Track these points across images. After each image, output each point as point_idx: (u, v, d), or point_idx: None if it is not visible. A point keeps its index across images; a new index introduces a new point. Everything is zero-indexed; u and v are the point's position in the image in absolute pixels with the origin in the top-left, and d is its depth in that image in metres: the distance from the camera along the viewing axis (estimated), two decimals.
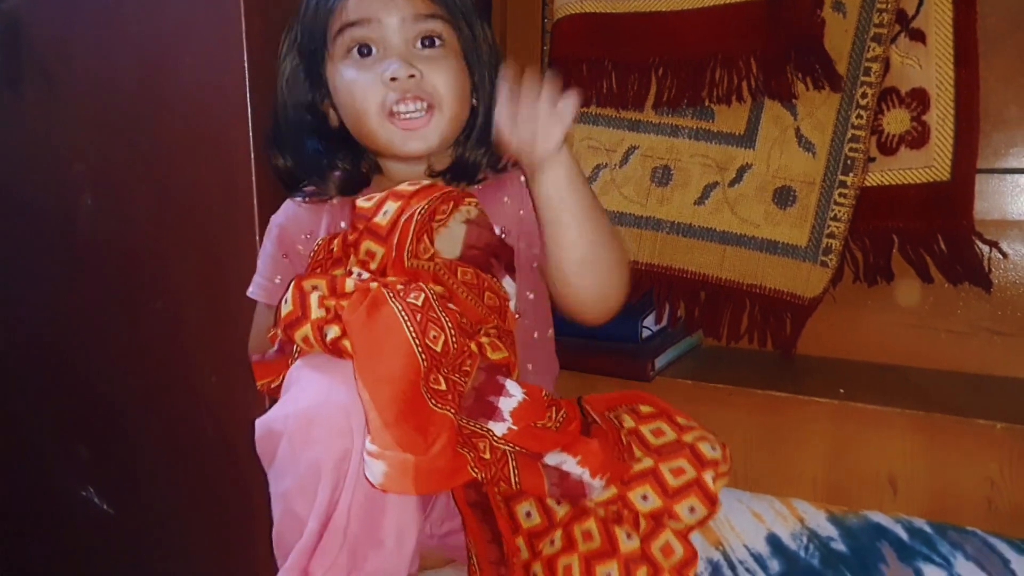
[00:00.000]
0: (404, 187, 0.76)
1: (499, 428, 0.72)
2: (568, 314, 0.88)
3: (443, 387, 0.70)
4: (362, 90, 0.82)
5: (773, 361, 1.14)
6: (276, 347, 0.79)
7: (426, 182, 0.78)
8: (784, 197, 1.10)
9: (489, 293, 0.80)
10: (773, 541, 0.92)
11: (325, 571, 0.70)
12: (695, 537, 0.94)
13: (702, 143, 1.15)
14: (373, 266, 0.74)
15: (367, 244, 0.75)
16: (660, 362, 1.11)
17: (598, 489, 0.80)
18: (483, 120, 0.88)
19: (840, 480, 0.97)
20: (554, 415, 0.76)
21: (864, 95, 1.04)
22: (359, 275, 0.74)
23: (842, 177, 1.06)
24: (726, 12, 1.09)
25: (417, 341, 0.67)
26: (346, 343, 0.68)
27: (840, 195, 1.06)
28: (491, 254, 0.81)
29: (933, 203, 1.03)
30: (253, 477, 0.85)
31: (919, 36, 1.03)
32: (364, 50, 0.83)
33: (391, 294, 0.69)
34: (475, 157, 0.89)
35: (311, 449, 0.69)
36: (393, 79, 0.80)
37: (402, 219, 0.73)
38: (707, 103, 1.12)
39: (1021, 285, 1.05)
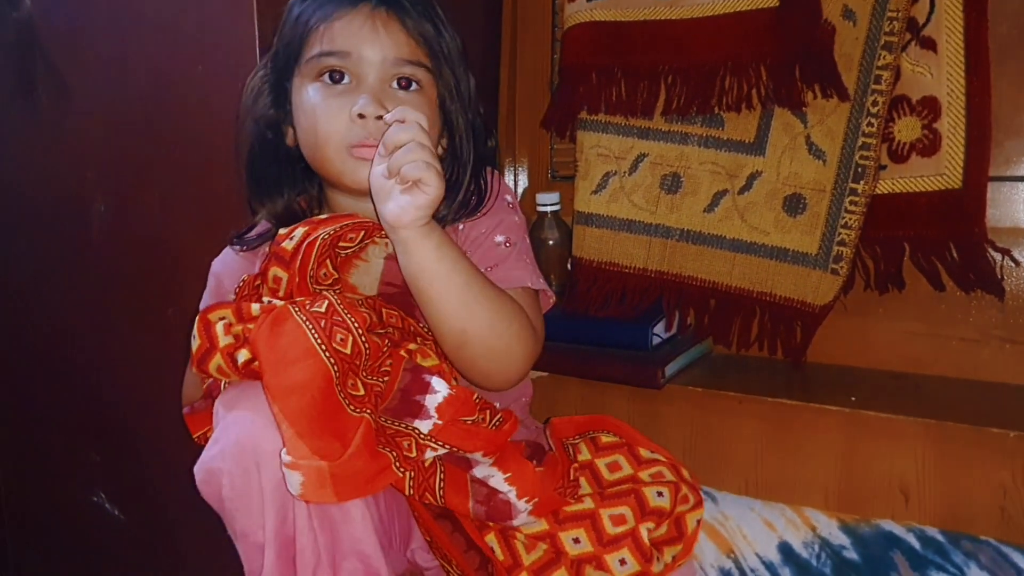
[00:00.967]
0: (319, 216, 0.76)
1: (424, 425, 0.70)
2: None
3: (361, 392, 0.69)
4: (326, 118, 0.79)
5: (783, 369, 1.13)
6: (206, 395, 0.78)
7: (346, 214, 0.77)
8: (794, 205, 1.10)
9: (421, 338, 0.78)
10: (785, 549, 0.92)
11: None
12: (705, 543, 0.95)
13: (712, 150, 1.15)
14: (280, 292, 0.74)
15: (274, 270, 0.74)
16: (670, 370, 1.11)
17: (523, 514, 0.78)
18: (449, 173, 0.84)
19: (852, 489, 0.97)
20: (488, 417, 0.74)
21: (875, 103, 1.04)
22: (269, 301, 0.73)
23: (853, 185, 1.06)
24: (735, 20, 1.09)
25: (324, 346, 0.66)
26: (256, 364, 0.67)
27: (851, 203, 1.06)
28: (410, 293, 0.78)
29: (945, 211, 1.03)
30: None
31: (930, 44, 1.03)
32: (336, 76, 0.79)
33: (295, 308, 0.69)
34: (441, 211, 0.83)
35: (250, 478, 0.68)
36: (361, 116, 0.77)
37: (305, 243, 0.72)
38: (717, 110, 1.12)
39: None
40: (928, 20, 1.03)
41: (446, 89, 0.84)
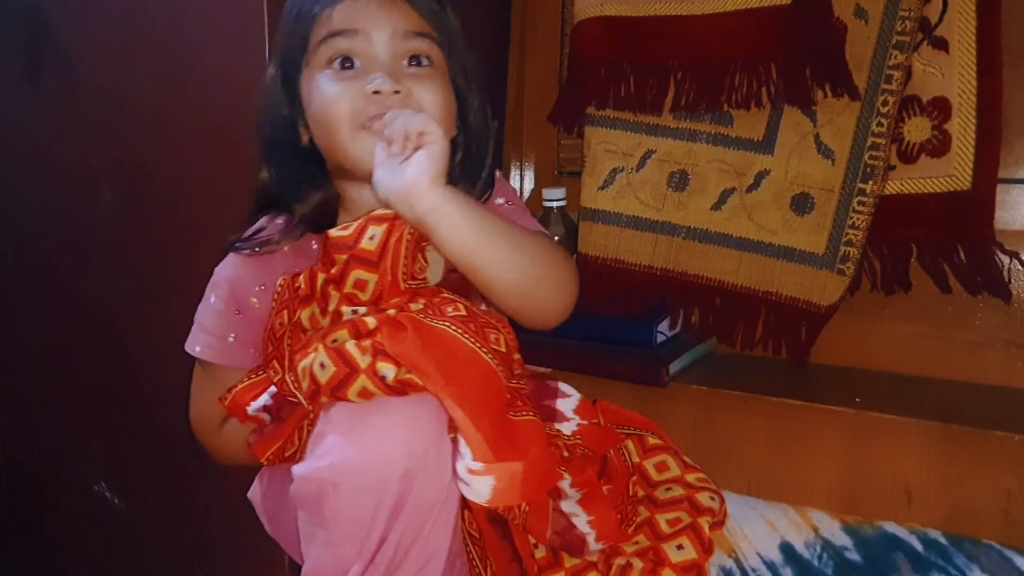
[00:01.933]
0: (380, 211, 0.73)
1: (567, 427, 0.72)
2: (526, 327, 0.82)
3: (508, 396, 0.68)
4: (336, 100, 0.76)
5: (788, 369, 1.13)
6: (269, 417, 0.76)
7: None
8: (802, 204, 1.09)
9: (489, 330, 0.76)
10: (786, 550, 0.91)
11: None
12: None
13: (720, 148, 1.14)
14: (365, 296, 0.71)
15: (356, 274, 0.70)
16: (675, 367, 1.11)
17: (595, 552, 0.78)
18: (467, 151, 0.84)
19: (855, 490, 0.97)
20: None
21: (885, 103, 1.04)
22: (354, 311, 0.71)
23: (861, 185, 1.05)
24: (746, 17, 1.08)
25: (484, 349, 0.65)
26: (410, 376, 0.65)
27: (859, 203, 1.06)
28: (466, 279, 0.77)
29: (953, 212, 1.02)
30: None
31: (942, 44, 1.02)
32: (347, 63, 0.77)
33: (424, 316, 0.67)
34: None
35: (365, 496, 0.66)
36: (376, 92, 0.75)
37: (391, 241, 0.70)
38: (726, 108, 1.11)
39: None
40: (940, 20, 1.02)
41: (454, 65, 0.82)
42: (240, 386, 0.78)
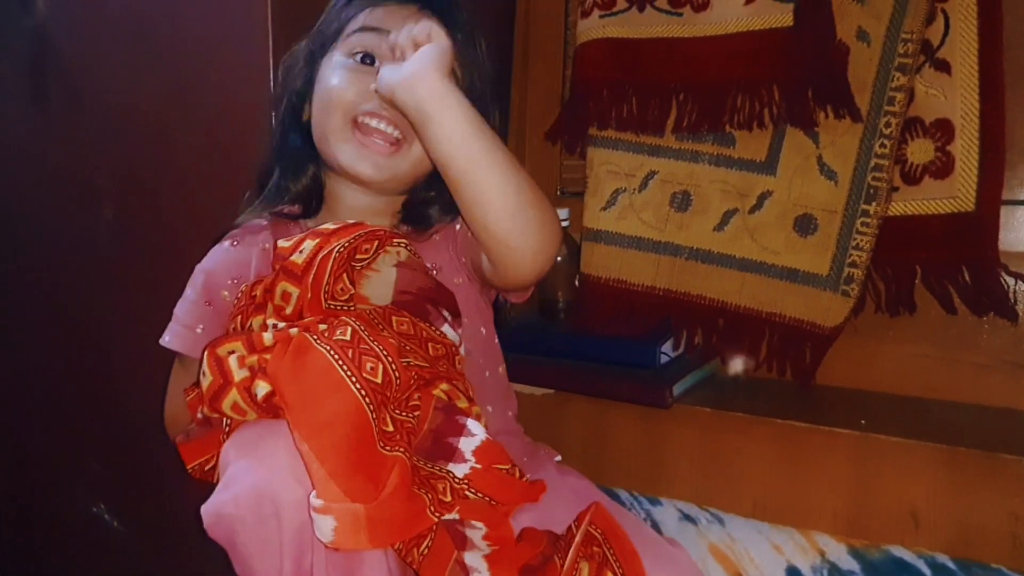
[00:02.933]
0: (326, 226, 0.72)
1: (460, 469, 0.67)
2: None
3: (391, 428, 0.64)
4: (341, 84, 0.80)
5: (792, 391, 1.12)
6: (200, 421, 0.73)
7: (352, 221, 0.73)
8: (805, 225, 1.09)
9: (432, 344, 0.74)
10: (793, 574, 0.90)
11: None
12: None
13: (722, 169, 1.14)
14: (289, 310, 0.70)
15: (282, 285, 0.70)
16: (678, 389, 1.10)
17: None
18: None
19: (861, 513, 0.96)
20: (518, 473, 0.70)
21: (888, 124, 1.04)
22: (275, 325, 0.69)
23: (864, 206, 1.05)
24: (748, 39, 1.08)
25: (353, 377, 0.62)
26: (277, 398, 0.63)
27: (863, 224, 1.05)
28: (426, 299, 0.75)
29: (957, 234, 1.02)
30: None
31: (944, 67, 1.03)
32: (367, 59, 0.81)
33: (314, 336, 0.64)
34: (425, 200, 0.86)
35: (267, 526, 0.64)
36: (377, 91, 0.77)
37: (319, 257, 0.69)
38: (728, 129, 1.11)
39: None
40: (943, 42, 1.03)
41: (468, 99, 0.80)
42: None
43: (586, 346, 1.18)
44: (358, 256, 0.72)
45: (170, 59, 1.04)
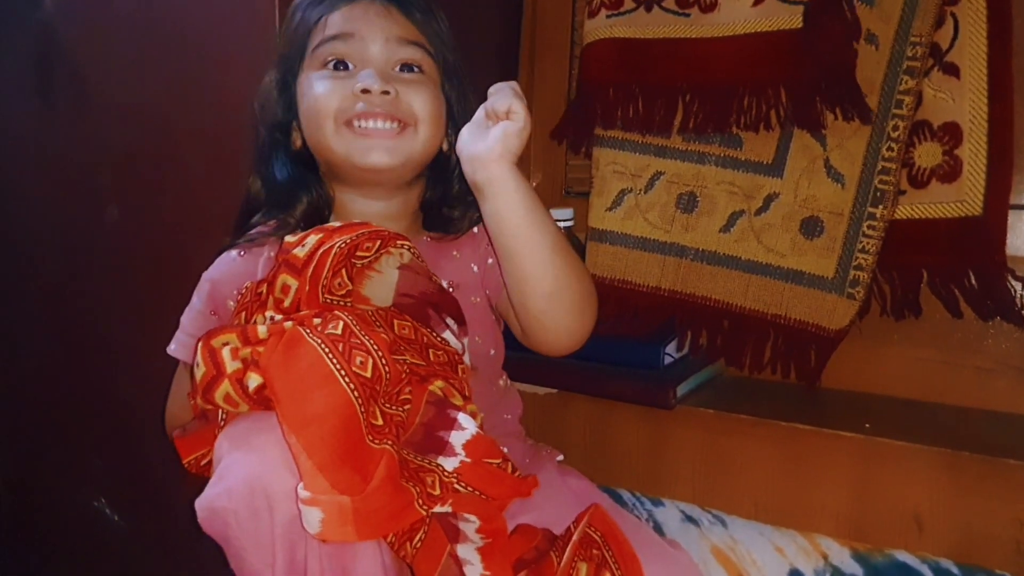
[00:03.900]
0: (332, 224, 0.73)
1: (450, 463, 0.67)
2: (534, 348, 0.84)
3: (380, 421, 0.65)
4: (326, 96, 0.78)
5: (796, 393, 1.12)
6: (198, 416, 0.74)
7: (359, 221, 0.73)
8: (811, 227, 1.09)
9: (433, 350, 0.74)
10: None
11: None
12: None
13: (729, 171, 1.14)
14: (287, 303, 0.70)
15: (283, 278, 0.70)
16: (682, 390, 1.10)
17: None
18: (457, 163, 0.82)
19: (864, 517, 0.95)
20: (510, 468, 0.70)
21: (896, 127, 1.03)
22: (271, 318, 0.69)
23: (871, 209, 1.05)
24: (756, 40, 1.08)
25: (343, 371, 0.63)
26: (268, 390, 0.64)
27: (869, 227, 1.05)
28: (427, 303, 0.76)
29: (964, 238, 1.02)
30: None
31: (953, 70, 1.02)
32: (340, 65, 0.80)
33: (307, 330, 0.65)
34: (447, 201, 0.86)
35: (260, 519, 0.64)
36: (365, 91, 0.77)
37: (319, 251, 0.69)
38: (734, 130, 1.11)
39: None
40: (951, 46, 1.02)
41: (446, 75, 0.84)
42: None
43: (589, 346, 1.16)
44: (359, 253, 0.72)
45: (177, 57, 1.04)
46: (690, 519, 1.04)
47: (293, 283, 0.70)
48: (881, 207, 1.04)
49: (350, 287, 0.72)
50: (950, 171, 1.03)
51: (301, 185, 0.83)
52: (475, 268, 0.86)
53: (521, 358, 0.95)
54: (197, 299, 0.84)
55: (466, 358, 0.77)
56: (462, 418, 0.69)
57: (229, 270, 0.83)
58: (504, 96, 0.74)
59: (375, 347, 0.66)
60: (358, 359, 0.64)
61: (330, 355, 0.63)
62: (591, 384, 1.12)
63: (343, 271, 0.71)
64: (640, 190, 1.19)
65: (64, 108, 1.18)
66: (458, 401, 0.72)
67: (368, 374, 0.64)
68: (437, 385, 0.71)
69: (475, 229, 0.87)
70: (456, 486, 0.68)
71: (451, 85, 0.85)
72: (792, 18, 1.05)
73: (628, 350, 1.15)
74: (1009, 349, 1.05)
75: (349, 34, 0.79)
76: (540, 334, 0.81)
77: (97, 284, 1.19)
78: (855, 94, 1.02)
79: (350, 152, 0.79)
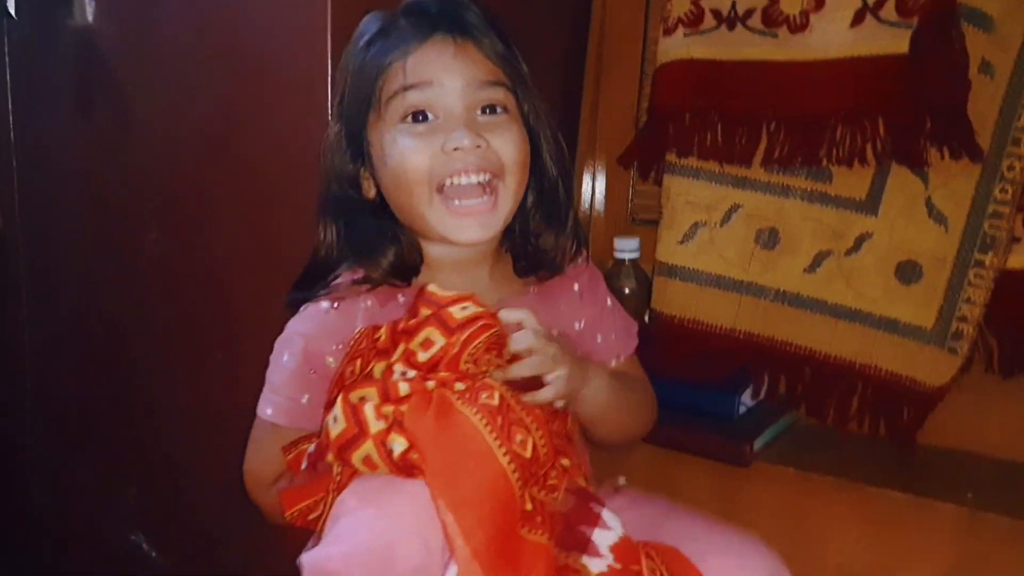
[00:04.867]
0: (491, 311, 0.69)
1: (596, 565, 0.62)
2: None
3: (530, 507, 0.61)
4: (413, 157, 0.73)
5: (885, 448, 1.03)
6: (296, 469, 0.71)
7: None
8: (908, 272, 0.99)
9: (558, 422, 0.72)
10: None
11: None
12: None
13: (816, 206, 1.05)
14: (423, 358, 0.66)
15: (428, 331, 0.66)
16: (759, 443, 1.01)
17: None
18: (540, 193, 0.81)
19: None
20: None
21: (1011, 167, 0.93)
22: (403, 373, 0.66)
23: (979, 256, 0.95)
24: (854, 65, 0.98)
25: (504, 449, 0.59)
26: (415, 456, 0.59)
27: (976, 275, 0.95)
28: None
29: None
30: None
31: None
32: (420, 116, 0.74)
33: (455, 396, 0.61)
34: (549, 242, 0.82)
35: None
36: (456, 149, 0.72)
37: (481, 321, 0.66)
38: (824, 163, 1.02)
39: None
40: None
41: (527, 108, 0.79)
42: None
43: (656, 389, 1.09)
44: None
45: (224, 76, 0.97)
46: None
47: (440, 340, 0.65)
48: (991, 254, 0.94)
49: (498, 363, 0.68)
50: None
51: (386, 236, 0.78)
52: (577, 326, 0.85)
53: None
54: (289, 357, 0.77)
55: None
56: (606, 515, 0.65)
57: (323, 324, 0.76)
58: (541, 364, 0.70)
59: (533, 424, 0.62)
60: (518, 437, 0.61)
61: (489, 429, 0.60)
62: (658, 435, 1.03)
63: (492, 353, 0.67)
64: (715, 223, 1.11)
65: (105, 125, 1.12)
66: (583, 482, 0.69)
67: (528, 455, 0.61)
68: (563, 463, 0.67)
69: (588, 265, 0.87)
70: None
71: (534, 116, 0.80)
72: (897, 42, 0.95)
73: (699, 397, 1.08)
74: None
75: (427, 83, 0.73)
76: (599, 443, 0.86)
77: (135, 311, 1.14)
78: (966, 130, 0.92)
79: (445, 229, 0.75)
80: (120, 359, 1.18)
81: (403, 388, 0.63)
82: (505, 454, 0.59)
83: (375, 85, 0.74)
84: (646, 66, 1.22)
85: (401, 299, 0.77)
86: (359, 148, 0.77)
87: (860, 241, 1.02)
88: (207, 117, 1.00)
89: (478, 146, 0.73)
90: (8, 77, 1.21)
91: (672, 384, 1.08)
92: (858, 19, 0.99)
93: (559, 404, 0.73)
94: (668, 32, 1.11)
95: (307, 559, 0.61)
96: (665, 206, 1.14)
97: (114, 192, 1.12)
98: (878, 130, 0.97)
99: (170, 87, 1.03)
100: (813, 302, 1.05)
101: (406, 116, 0.74)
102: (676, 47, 1.10)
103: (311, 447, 0.72)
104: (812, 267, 1.05)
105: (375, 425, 0.61)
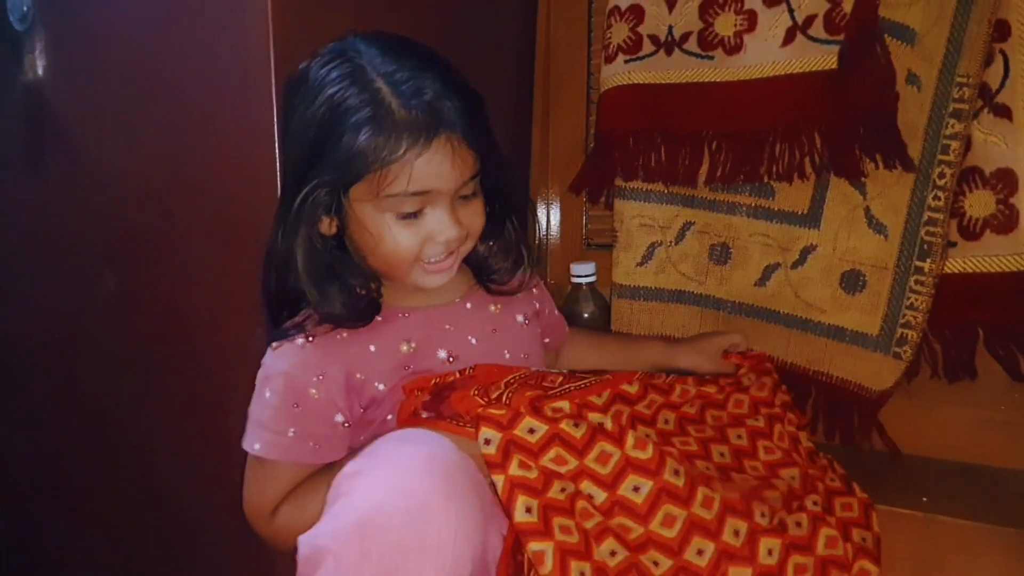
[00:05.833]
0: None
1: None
2: None
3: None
4: (404, 246, 0.78)
5: (842, 455, 1.03)
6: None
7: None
8: (852, 281, 1.01)
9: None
10: None
11: None
12: None
13: (762, 221, 1.07)
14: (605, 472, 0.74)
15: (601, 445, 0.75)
16: None
17: None
18: (492, 211, 0.85)
19: None
20: None
21: (942, 175, 0.95)
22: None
23: (918, 263, 0.97)
24: (787, 82, 1.01)
25: None
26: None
27: (916, 282, 0.97)
28: None
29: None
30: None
31: (1004, 112, 0.94)
32: (413, 215, 0.78)
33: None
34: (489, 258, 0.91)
35: (365, 567, 0.63)
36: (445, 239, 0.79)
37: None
38: (766, 179, 1.04)
39: None
40: (1002, 86, 0.94)
41: (490, 172, 0.82)
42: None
43: None
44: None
45: (170, 124, 0.99)
46: None
47: (615, 452, 0.75)
48: (929, 260, 0.96)
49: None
50: (1005, 221, 0.94)
51: (344, 272, 0.81)
52: (537, 305, 0.97)
53: None
54: (271, 393, 0.79)
55: None
56: None
57: (302, 360, 0.79)
58: None
59: None
60: None
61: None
62: None
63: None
64: (671, 242, 1.13)
65: (56, 174, 1.13)
66: None
67: None
68: None
69: (534, 290, 0.96)
70: None
71: (484, 148, 0.81)
72: (826, 58, 0.98)
73: None
74: None
75: (427, 191, 0.76)
76: None
77: (94, 358, 1.14)
78: (896, 140, 0.94)
79: (417, 280, 0.82)
80: (84, 406, 1.17)
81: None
82: None
83: (373, 174, 0.74)
84: (592, 94, 1.25)
85: (378, 317, 0.82)
86: (335, 204, 0.78)
87: (805, 253, 1.04)
88: (153, 162, 1.01)
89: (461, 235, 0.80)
90: None
91: None
92: (789, 38, 1.01)
93: None
94: (609, 59, 1.13)
95: (302, 538, 0.67)
96: (620, 229, 1.16)
97: (69, 239, 1.12)
98: (815, 144, 0.99)
99: (118, 131, 1.04)
100: (767, 312, 1.07)
101: (402, 214, 0.77)
102: (617, 73, 1.12)
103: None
104: (762, 280, 1.07)
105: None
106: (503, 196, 0.87)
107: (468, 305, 0.89)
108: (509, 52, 1.29)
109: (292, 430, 0.78)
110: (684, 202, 1.12)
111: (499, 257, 0.90)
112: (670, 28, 1.10)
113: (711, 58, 1.07)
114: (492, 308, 0.90)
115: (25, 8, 1.12)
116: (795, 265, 1.05)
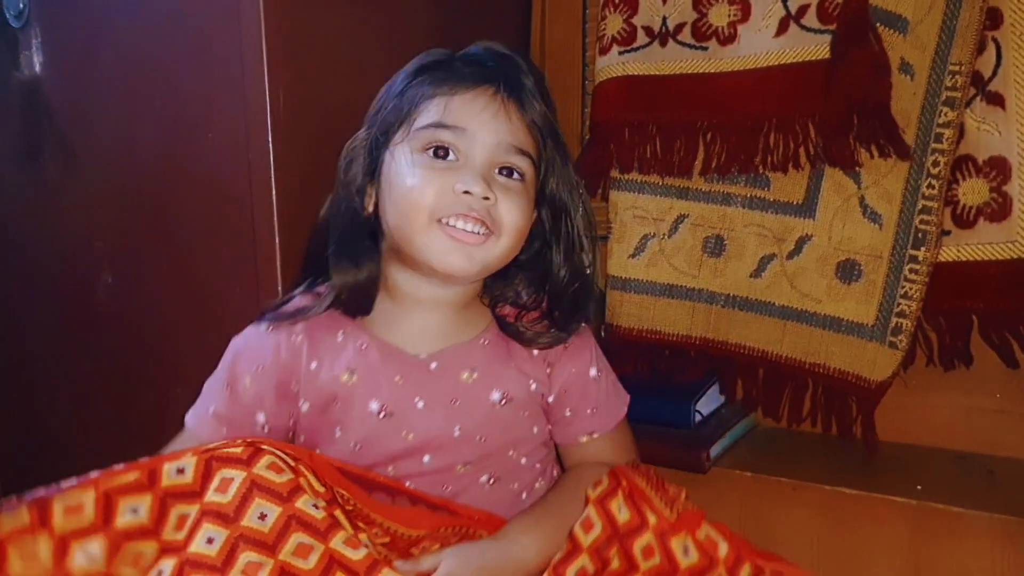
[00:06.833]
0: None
1: None
2: None
3: None
4: (422, 186, 0.73)
5: (839, 446, 1.04)
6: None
7: None
8: (848, 271, 1.01)
9: None
10: None
11: None
12: None
13: (757, 212, 1.07)
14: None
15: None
16: (715, 451, 1.03)
17: None
18: (551, 258, 0.81)
19: None
20: None
21: (936, 163, 0.95)
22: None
23: (913, 252, 0.97)
24: (781, 73, 1.01)
25: None
26: None
27: (911, 271, 0.97)
28: None
29: (1018, 282, 0.93)
30: None
31: (997, 100, 0.94)
32: (441, 152, 0.74)
33: None
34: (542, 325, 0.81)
35: None
36: (466, 192, 0.72)
37: None
38: (761, 170, 1.04)
39: None
40: (995, 74, 0.94)
41: (542, 183, 0.79)
42: None
43: None
44: None
45: (167, 117, 0.99)
46: None
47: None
48: (923, 249, 0.96)
49: None
50: (999, 209, 0.95)
51: (358, 254, 0.78)
52: (533, 386, 0.82)
53: None
54: (222, 367, 0.78)
55: None
56: None
57: (255, 344, 0.78)
58: None
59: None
60: None
61: None
62: None
63: None
64: (664, 234, 1.13)
65: (53, 171, 1.14)
66: None
67: None
68: None
69: (534, 352, 0.82)
70: None
71: (556, 183, 0.80)
72: (819, 48, 0.98)
73: (656, 408, 1.08)
74: None
75: (461, 128, 0.73)
76: None
77: (91, 351, 1.15)
78: (890, 129, 0.94)
79: (431, 252, 0.74)
80: (75, 399, 1.18)
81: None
82: None
83: (413, 109, 0.75)
84: (587, 86, 1.25)
85: (340, 337, 0.78)
86: (376, 161, 0.77)
87: (801, 243, 1.04)
88: (151, 156, 1.02)
89: (486, 198, 0.73)
90: None
91: (629, 394, 1.10)
92: (783, 28, 1.01)
93: None
94: (603, 51, 1.13)
95: None
96: (614, 221, 1.16)
97: (65, 236, 1.13)
98: (809, 134, 1.00)
99: (114, 128, 1.05)
100: (762, 305, 1.07)
101: (429, 148, 0.74)
102: (612, 65, 1.12)
103: None
104: (757, 272, 1.07)
105: None
106: (558, 213, 0.80)
107: (433, 365, 0.78)
108: (504, 44, 1.29)
109: (212, 407, 0.76)
110: (679, 194, 1.12)
111: (532, 297, 0.82)
112: (664, 19, 1.10)
113: (705, 49, 1.07)
114: (465, 375, 0.79)
115: (21, 5, 1.12)
116: (791, 255, 1.05)
